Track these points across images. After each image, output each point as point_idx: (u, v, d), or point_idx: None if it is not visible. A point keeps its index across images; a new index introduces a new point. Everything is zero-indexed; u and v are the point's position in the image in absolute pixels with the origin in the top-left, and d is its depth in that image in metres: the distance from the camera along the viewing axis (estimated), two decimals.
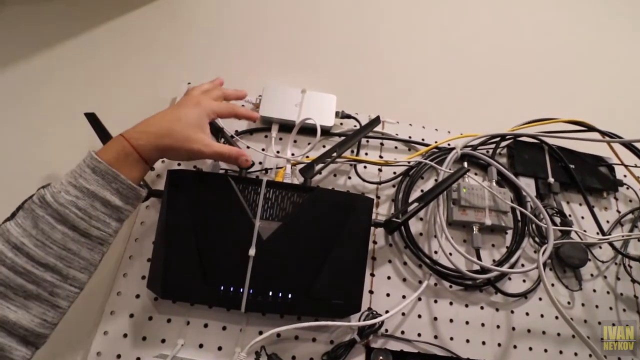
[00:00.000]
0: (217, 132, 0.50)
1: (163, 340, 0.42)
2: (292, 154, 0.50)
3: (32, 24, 0.60)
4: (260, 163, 0.51)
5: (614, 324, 0.51)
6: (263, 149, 0.52)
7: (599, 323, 0.50)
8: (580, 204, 0.56)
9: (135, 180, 0.34)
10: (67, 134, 0.52)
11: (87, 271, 0.32)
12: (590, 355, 0.48)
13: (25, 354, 0.29)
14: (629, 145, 0.55)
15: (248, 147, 0.51)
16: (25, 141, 0.51)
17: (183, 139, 0.36)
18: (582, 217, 0.56)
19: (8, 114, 0.52)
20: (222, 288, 0.41)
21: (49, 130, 0.52)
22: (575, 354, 0.48)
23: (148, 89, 0.56)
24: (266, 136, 0.53)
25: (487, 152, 0.56)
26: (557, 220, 0.53)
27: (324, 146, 0.53)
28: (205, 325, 0.43)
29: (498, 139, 0.56)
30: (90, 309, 0.43)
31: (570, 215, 0.55)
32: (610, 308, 0.51)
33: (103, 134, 0.46)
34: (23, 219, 0.30)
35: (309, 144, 0.52)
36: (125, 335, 0.41)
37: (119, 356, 0.40)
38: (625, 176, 0.59)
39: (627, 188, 0.59)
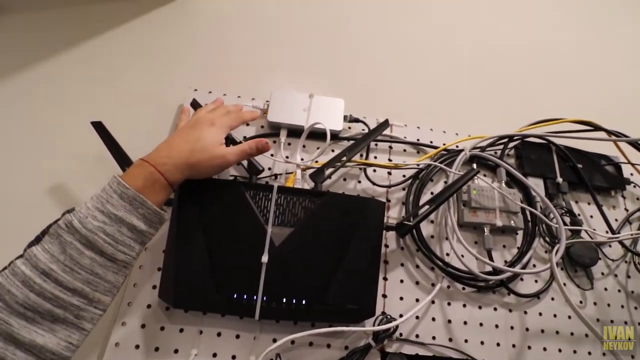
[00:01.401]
0: (226, 140, 0.49)
1: (176, 351, 0.41)
2: (302, 159, 0.50)
3: (35, 31, 0.59)
4: (269, 169, 0.51)
5: (626, 322, 0.51)
6: (272, 155, 0.51)
7: (612, 321, 0.50)
8: (589, 203, 0.57)
9: (159, 205, 0.35)
10: (72, 142, 0.51)
11: (111, 293, 0.33)
12: (604, 354, 0.48)
13: None
14: (635, 144, 0.56)
15: None
16: (30, 150, 0.50)
17: (207, 158, 0.38)
18: (591, 216, 0.56)
19: (12, 122, 0.52)
20: (235, 296, 0.40)
21: (54, 139, 0.51)
22: (589, 353, 0.48)
23: (154, 96, 0.56)
24: (275, 142, 0.53)
25: (496, 153, 0.56)
26: (567, 219, 0.53)
27: (332, 150, 0.53)
28: (219, 334, 0.42)
29: (506, 140, 0.56)
30: (101, 320, 0.42)
31: (579, 215, 0.55)
32: (622, 306, 0.51)
33: (110, 143, 0.45)
34: (50, 244, 0.30)
35: (317, 148, 0.51)
36: (137, 347, 0.41)
37: None
38: (632, 174, 0.60)
39: (635, 186, 0.59)
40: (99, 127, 0.46)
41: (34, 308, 0.28)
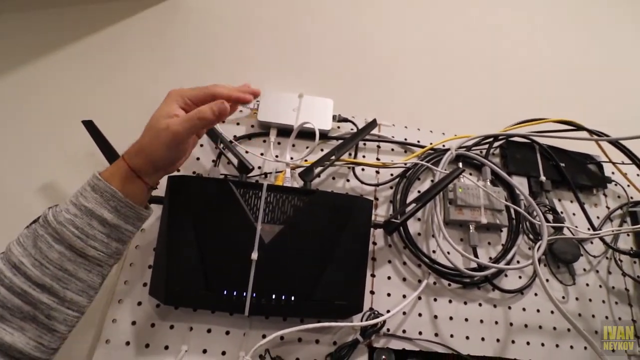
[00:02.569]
0: (215, 138, 0.50)
1: (166, 347, 0.42)
2: (291, 158, 0.51)
3: (27, 31, 0.59)
4: (259, 168, 0.52)
5: (607, 317, 0.52)
6: (262, 154, 0.52)
7: (593, 316, 0.52)
8: (572, 201, 0.58)
9: (134, 198, 0.33)
10: (63, 141, 0.51)
11: (86, 294, 0.31)
12: (585, 348, 0.49)
13: None
14: (615, 143, 0.57)
15: (247, 152, 0.52)
16: (22, 149, 0.50)
17: (154, 134, 0.33)
18: (574, 214, 0.58)
19: (3, 121, 0.52)
20: (225, 292, 0.41)
21: (45, 138, 0.52)
22: (571, 347, 0.49)
23: (145, 94, 0.56)
24: (265, 141, 0.53)
25: (481, 152, 0.58)
26: (550, 217, 0.55)
27: (322, 150, 0.54)
28: (209, 331, 0.43)
29: (491, 139, 0.58)
30: (92, 317, 0.42)
31: (562, 212, 0.56)
32: (603, 301, 0.53)
33: (101, 142, 0.46)
34: (25, 237, 0.30)
35: (307, 147, 0.52)
36: (127, 343, 0.41)
37: None
38: (613, 173, 0.61)
39: (616, 185, 0.61)
40: (89, 126, 0.46)
41: (2, 303, 0.28)
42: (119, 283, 0.43)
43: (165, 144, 0.33)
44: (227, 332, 0.43)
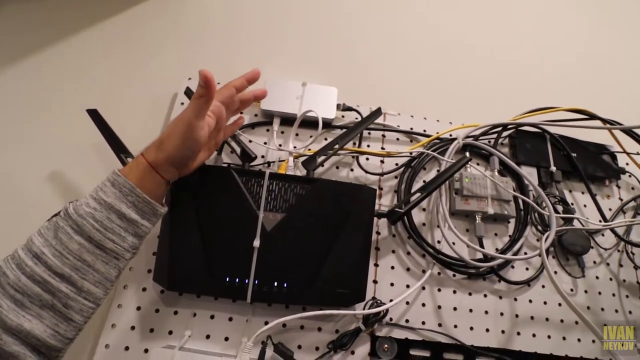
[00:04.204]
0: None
1: (170, 332, 0.42)
2: (294, 147, 0.51)
3: (31, 20, 0.60)
4: (262, 157, 0.51)
5: (617, 310, 0.51)
6: (265, 143, 0.52)
7: (602, 309, 0.51)
8: (583, 193, 0.57)
9: (152, 194, 0.34)
10: (69, 131, 0.52)
11: (102, 286, 0.32)
12: (593, 341, 0.48)
13: None
14: (629, 132, 0.55)
15: (250, 141, 0.51)
16: (27, 139, 0.51)
17: (172, 126, 0.35)
18: (585, 206, 0.56)
19: (9, 112, 0.53)
20: (227, 279, 0.41)
21: (50, 128, 0.52)
22: (579, 340, 0.48)
23: (149, 84, 0.57)
24: (268, 130, 0.53)
25: (489, 142, 0.56)
26: (560, 208, 0.53)
27: (325, 139, 0.53)
28: (212, 317, 0.43)
29: (500, 128, 0.56)
30: None
31: (572, 204, 0.55)
32: (613, 294, 0.52)
33: (105, 131, 0.46)
34: (46, 229, 0.31)
35: (310, 136, 0.52)
36: (132, 328, 0.42)
37: (127, 348, 0.41)
38: (627, 164, 0.59)
39: (630, 176, 0.59)
40: (94, 114, 0.46)
41: (23, 290, 0.29)
42: (124, 269, 0.44)
43: (180, 134, 0.34)
44: (230, 319, 0.43)
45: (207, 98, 0.34)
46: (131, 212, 0.33)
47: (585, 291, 0.51)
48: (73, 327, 0.31)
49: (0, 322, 0.28)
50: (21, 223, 0.48)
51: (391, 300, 0.44)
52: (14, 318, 0.28)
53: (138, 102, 0.55)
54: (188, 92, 0.51)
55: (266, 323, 0.42)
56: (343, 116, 0.55)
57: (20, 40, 0.58)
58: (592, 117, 0.57)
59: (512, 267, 0.50)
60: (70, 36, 0.59)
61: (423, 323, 0.46)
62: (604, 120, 0.56)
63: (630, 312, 0.51)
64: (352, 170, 0.53)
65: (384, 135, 0.56)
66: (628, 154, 0.57)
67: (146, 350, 0.41)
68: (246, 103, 0.43)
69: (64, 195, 0.48)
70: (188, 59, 0.60)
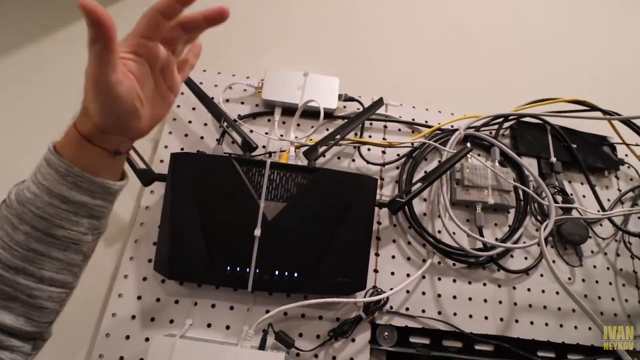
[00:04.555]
0: (219, 117, 0.49)
1: (171, 321, 0.42)
2: (296, 137, 0.50)
3: (34, 10, 0.59)
4: (263, 147, 0.51)
5: (613, 299, 0.52)
6: (266, 133, 0.52)
7: (599, 297, 0.51)
8: (582, 183, 0.57)
9: (96, 170, 0.28)
10: (60, 124, 0.51)
11: (67, 272, 0.29)
12: (589, 328, 0.49)
13: (23, 345, 0.27)
14: (629, 123, 0.55)
15: (251, 131, 0.51)
16: (18, 133, 0.50)
17: (94, 96, 0.26)
18: (584, 196, 0.56)
19: (5, 102, 0.52)
20: (228, 268, 0.41)
21: (41, 122, 0.52)
22: (575, 327, 0.49)
23: None
24: (269, 120, 0.53)
25: (490, 133, 0.56)
26: (559, 198, 0.53)
27: (327, 129, 0.53)
28: (213, 306, 0.43)
29: (501, 119, 0.56)
30: (98, 292, 0.43)
31: (572, 194, 0.55)
32: (610, 283, 0.52)
33: None
34: None
35: (312, 127, 0.51)
36: (133, 317, 0.42)
37: (127, 337, 0.41)
38: (626, 155, 0.60)
39: (629, 167, 0.59)
40: None
41: None
42: (124, 259, 0.44)
43: (94, 95, 0.26)
44: (231, 307, 0.43)
45: (104, 41, 0.23)
46: (75, 195, 0.27)
47: (583, 280, 0.52)
48: (48, 313, 0.28)
49: None
50: None
51: (391, 289, 0.45)
52: None
53: None
54: (187, 81, 0.50)
55: (267, 312, 0.42)
56: (345, 106, 0.55)
57: (12, 32, 0.57)
58: (593, 108, 0.57)
59: (512, 256, 0.51)
60: (72, 25, 0.58)
61: (423, 311, 0.46)
62: (604, 112, 0.56)
63: (626, 300, 0.52)
64: (353, 160, 0.52)
65: (385, 126, 0.55)
66: (627, 145, 0.57)
67: (147, 339, 0.41)
68: (194, 26, 0.30)
69: None
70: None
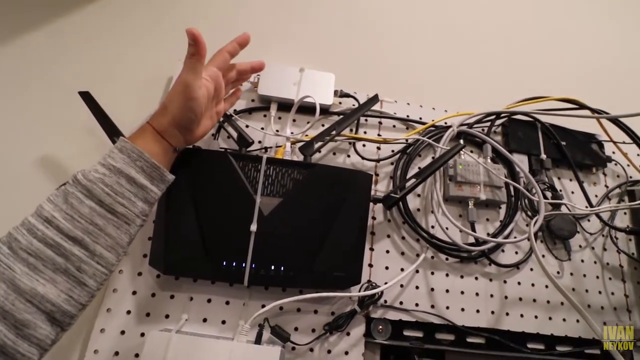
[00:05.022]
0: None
1: (167, 316, 0.42)
2: (292, 133, 0.51)
3: (22, 1, 0.57)
4: (259, 142, 0.51)
5: (600, 292, 0.53)
6: (262, 128, 0.52)
7: (587, 291, 0.53)
8: (571, 180, 0.58)
9: (159, 161, 0.35)
10: (61, 114, 0.51)
11: (114, 251, 0.32)
12: (577, 321, 0.50)
13: (50, 333, 0.29)
14: (616, 121, 0.57)
15: (247, 126, 0.51)
16: (19, 122, 0.50)
17: (172, 89, 0.36)
18: (572, 192, 0.58)
19: (1, 93, 0.51)
20: (224, 263, 0.41)
21: (42, 110, 0.51)
22: (564, 320, 0.50)
23: (143, 67, 0.55)
24: (265, 115, 0.53)
25: (483, 130, 0.57)
26: (549, 194, 0.55)
27: (322, 125, 0.54)
28: (209, 301, 0.43)
29: (493, 117, 0.57)
30: None
31: (561, 190, 0.57)
32: (597, 277, 0.54)
33: (99, 113, 0.45)
34: (55, 196, 0.31)
35: (308, 122, 0.52)
36: (128, 312, 0.42)
37: (122, 332, 0.41)
38: (614, 152, 0.61)
39: (616, 164, 0.61)
40: (86, 97, 0.45)
41: (36, 254, 0.29)
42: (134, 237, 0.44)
43: (180, 94, 0.36)
44: (227, 302, 0.44)
45: (199, 56, 0.35)
46: (140, 177, 0.33)
47: (571, 273, 0.53)
48: (86, 292, 0.31)
49: (14, 286, 0.27)
50: (13, 205, 0.47)
51: (386, 283, 0.45)
52: (27, 282, 0.28)
53: (132, 85, 0.54)
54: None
55: (263, 306, 0.42)
56: (340, 102, 0.55)
57: (10, 20, 0.55)
58: (582, 106, 0.58)
59: (503, 251, 0.52)
60: (62, 17, 0.57)
61: (416, 305, 0.47)
62: (593, 110, 0.57)
63: (612, 294, 0.54)
64: (348, 156, 0.53)
65: (380, 122, 0.56)
66: (615, 142, 0.59)
67: (142, 334, 0.41)
68: (244, 74, 0.44)
69: (57, 180, 0.47)
70: (183, 43, 0.58)
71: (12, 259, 0.28)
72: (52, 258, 0.29)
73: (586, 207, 0.55)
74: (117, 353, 0.40)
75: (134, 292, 0.43)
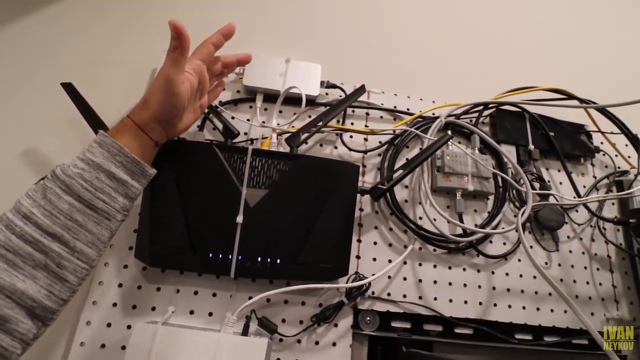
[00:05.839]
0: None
1: (153, 308, 0.42)
2: (278, 124, 0.50)
3: None
4: (245, 133, 0.51)
5: (588, 282, 0.53)
6: (248, 120, 0.51)
7: (574, 281, 0.53)
8: (559, 170, 0.58)
9: (139, 155, 0.34)
10: (43, 106, 0.50)
11: (95, 247, 0.32)
12: (565, 311, 0.51)
13: (31, 327, 0.28)
14: (604, 111, 0.57)
15: (233, 118, 0.51)
16: (1, 114, 0.49)
17: (154, 82, 0.35)
18: (561, 183, 0.58)
19: None
20: (210, 255, 0.41)
21: (23, 103, 0.50)
22: (552, 310, 0.51)
23: (128, 59, 0.55)
24: (251, 107, 0.52)
25: (470, 121, 0.57)
26: (537, 185, 0.55)
27: (309, 116, 0.53)
28: (196, 293, 0.43)
29: (481, 107, 0.57)
30: None
31: (549, 181, 0.57)
32: (585, 267, 0.54)
33: (81, 105, 0.45)
34: (34, 191, 0.31)
35: (294, 114, 0.51)
36: (114, 305, 0.42)
37: (109, 324, 0.41)
38: (602, 143, 0.61)
39: (604, 154, 0.61)
40: (69, 88, 0.45)
41: (15, 250, 0.28)
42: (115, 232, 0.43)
43: (160, 89, 0.35)
44: (214, 294, 0.43)
45: (181, 50, 0.34)
46: (120, 172, 0.33)
47: (559, 264, 0.53)
48: (67, 288, 0.30)
49: None
50: None
51: (373, 275, 0.45)
52: (6, 278, 0.27)
53: (116, 77, 0.53)
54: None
55: (250, 298, 0.42)
56: (327, 93, 0.55)
57: None
58: (570, 97, 0.58)
59: (490, 242, 0.52)
60: (45, 9, 0.56)
61: (404, 296, 0.47)
62: (581, 100, 0.58)
63: (600, 284, 0.54)
64: (335, 147, 0.53)
65: (367, 113, 0.56)
66: (603, 133, 0.59)
67: (129, 327, 0.41)
68: (229, 67, 0.43)
69: (39, 172, 0.47)
70: (167, 34, 0.57)
71: None
72: (31, 254, 0.29)
73: (574, 197, 0.56)
74: (103, 345, 0.40)
75: (120, 285, 0.42)
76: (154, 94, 0.35)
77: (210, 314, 0.43)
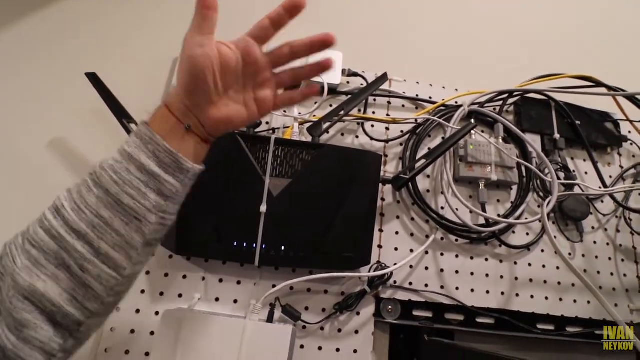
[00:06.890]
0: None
1: (180, 295, 0.43)
2: (299, 113, 0.50)
3: None
4: (267, 123, 0.51)
5: (612, 273, 0.53)
6: None
7: (598, 272, 0.52)
8: (585, 160, 0.57)
9: (174, 144, 0.29)
10: (67, 96, 0.51)
11: (124, 252, 0.28)
12: (588, 302, 0.50)
13: (53, 335, 0.26)
14: (633, 99, 0.55)
15: None
16: (28, 105, 0.50)
17: (180, 64, 0.30)
18: (586, 173, 0.57)
19: (7, 77, 0.51)
20: (235, 244, 0.42)
21: (50, 91, 0.51)
22: (575, 301, 0.50)
23: (149, 49, 0.55)
24: None
25: (494, 109, 0.56)
26: (562, 175, 0.54)
27: (330, 105, 0.53)
28: (221, 280, 0.44)
29: (505, 95, 0.56)
30: None
31: (574, 171, 0.55)
32: (610, 258, 0.53)
33: (106, 95, 0.45)
34: (76, 185, 0.29)
35: (315, 103, 0.51)
36: (142, 292, 0.43)
37: (137, 311, 0.42)
38: (629, 132, 0.59)
39: (631, 144, 0.59)
40: (93, 78, 0.45)
41: (39, 246, 0.26)
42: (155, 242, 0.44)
43: (180, 57, 0.30)
44: (239, 282, 0.44)
45: (205, 10, 0.29)
46: (151, 164, 0.28)
47: (583, 255, 0.53)
48: (92, 297, 0.27)
49: (14, 282, 0.25)
50: (22, 187, 0.48)
51: (395, 264, 0.45)
52: (26, 277, 0.25)
53: (138, 67, 0.54)
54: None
55: (274, 286, 0.43)
56: (348, 82, 0.55)
57: (15, 2, 0.55)
58: (598, 84, 0.56)
59: (513, 232, 0.51)
60: (69, 0, 0.56)
61: (426, 285, 0.47)
62: (609, 88, 0.56)
63: (625, 275, 0.53)
64: (357, 137, 0.52)
65: (389, 102, 0.55)
66: (631, 121, 0.57)
67: (157, 313, 0.42)
68: (300, 51, 0.35)
69: (67, 163, 0.47)
70: (189, 23, 0.57)
71: (20, 251, 0.26)
72: (56, 251, 0.26)
73: (600, 187, 0.54)
74: (133, 331, 0.41)
75: (148, 272, 0.43)
76: (180, 74, 0.30)
77: (235, 301, 0.43)
